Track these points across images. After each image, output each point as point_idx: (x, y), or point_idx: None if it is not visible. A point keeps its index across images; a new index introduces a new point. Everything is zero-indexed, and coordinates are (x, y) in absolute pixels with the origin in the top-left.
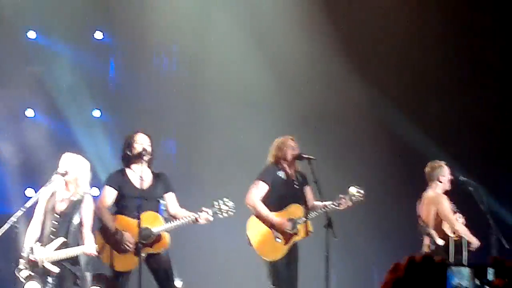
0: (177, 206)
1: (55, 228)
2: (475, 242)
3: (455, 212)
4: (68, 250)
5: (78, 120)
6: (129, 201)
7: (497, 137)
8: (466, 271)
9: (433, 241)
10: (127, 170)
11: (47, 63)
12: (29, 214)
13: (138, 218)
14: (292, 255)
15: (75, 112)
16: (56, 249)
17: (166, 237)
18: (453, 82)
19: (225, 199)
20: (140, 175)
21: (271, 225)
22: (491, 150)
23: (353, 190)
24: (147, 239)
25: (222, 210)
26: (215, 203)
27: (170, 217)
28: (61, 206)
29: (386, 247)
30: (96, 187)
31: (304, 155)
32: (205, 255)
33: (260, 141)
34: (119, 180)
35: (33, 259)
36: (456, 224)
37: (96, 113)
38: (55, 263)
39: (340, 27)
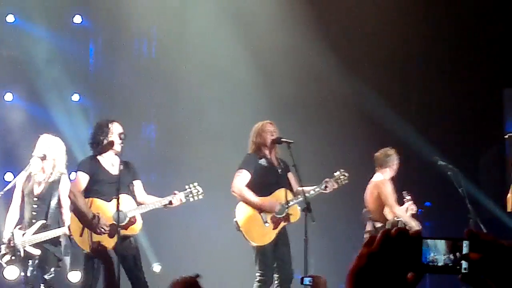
0: (144, 193)
1: (35, 212)
2: (414, 226)
3: (405, 200)
4: (48, 232)
5: (57, 104)
6: (102, 186)
7: (475, 123)
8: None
9: (373, 226)
10: (99, 157)
11: (25, 47)
12: (7, 198)
13: (117, 201)
14: (281, 240)
15: (54, 96)
16: (35, 232)
17: (139, 220)
18: (435, 72)
19: (195, 183)
20: (111, 162)
21: (260, 209)
22: (468, 135)
23: (338, 173)
24: (121, 221)
25: (193, 194)
26: (187, 186)
27: (138, 204)
28: (38, 189)
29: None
30: (75, 171)
31: (283, 139)
32: (183, 239)
33: (240, 126)
34: (91, 166)
35: (13, 244)
36: (395, 208)
37: (75, 97)
38: (36, 245)
39: (324, 17)
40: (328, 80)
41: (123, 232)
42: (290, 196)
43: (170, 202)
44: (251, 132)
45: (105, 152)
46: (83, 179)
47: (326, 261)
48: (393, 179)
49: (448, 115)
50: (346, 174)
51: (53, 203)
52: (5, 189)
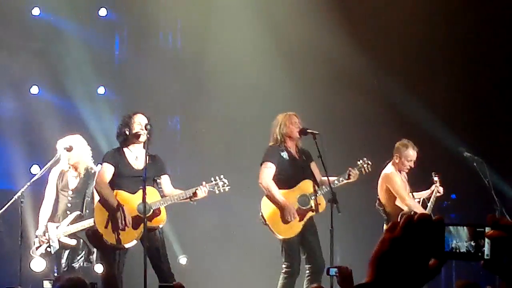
0: (171, 187)
1: (70, 204)
2: None
3: (434, 181)
4: (83, 222)
5: (83, 97)
6: (126, 179)
7: (501, 112)
8: (463, 231)
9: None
10: (124, 149)
11: (51, 40)
12: (34, 190)
13: (143, 192)
14: (309, 231)
15: (80, 89)
16: (70, 223)
17: (164, 212)
18: (459, 57)
19: (221, 176)
20: (136, 155)
21: (282, 208)
22: (493, 125)
23: (361, 162)
24: (147, 213)
25: (219, 186)
26: (213, 179)
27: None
28: (73, 183)
29: None
30: (100, 164)
31: (309, 130)
32: (209, 233)
33: (264, 117)
34: (115, 158)
35: (48, 236)
36: (407, 199)
37: (101, 90)
38: (71, 236)
39: (346, 4)
40: (352, 69)
41: (148, 224)
42: (312, 189)
43: (195, 194)
44: (275, 123)
45: (131, 144)
46: (108, 170)
47: (352, 252)
48: (413, 170)
49: (474, 105)
50: (370, 162)
51: (88, 195)
52: (32, 180)
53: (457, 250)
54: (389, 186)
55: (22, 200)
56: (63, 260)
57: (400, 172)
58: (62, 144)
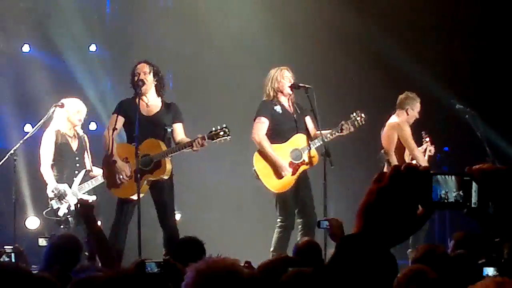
0: (183, 136)
1: (78, 164)
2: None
3: (424, 141)
4: (96, 178)
5: (75, 55)
6: (134, 128)
7: (493, 66)
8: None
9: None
10: (137, 98)
11: None
12: (27, 149)
13: (136, 145)
14: (302, 184)
15: (71, 47)
16: (82, 181)
17: (167, 164)
18: (451, 14)
19: (224, 125)
20: (146, 102)
21: (273, 164)
22: (486, 78)
23: (354, 114)
24: (147, 165)
25: (219, 135)
26: (213, 128)
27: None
28: (74, 144)
29: None
30: (94, 121)
31: (300, 84)
32: (202, 187)
33: (256, 74)
34: (126, 107)
35: (66, 197)
36: (415, 150)
37: (92, 48)
38: (90, 192)
39: None
40: (344, 24)
41: (148, 176)
42: (305, 142)
43: (192, 145)
44: (267, 77)
45: (142, 93)
46: (113, 120)
47: (345, 205)
48: (412, 124)
49: (465, 57)
50: (363, 116)
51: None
52: (25, 138)
53: (446, 200)
54: (400, 135)
55: (15, 158)
56: (71, 219)
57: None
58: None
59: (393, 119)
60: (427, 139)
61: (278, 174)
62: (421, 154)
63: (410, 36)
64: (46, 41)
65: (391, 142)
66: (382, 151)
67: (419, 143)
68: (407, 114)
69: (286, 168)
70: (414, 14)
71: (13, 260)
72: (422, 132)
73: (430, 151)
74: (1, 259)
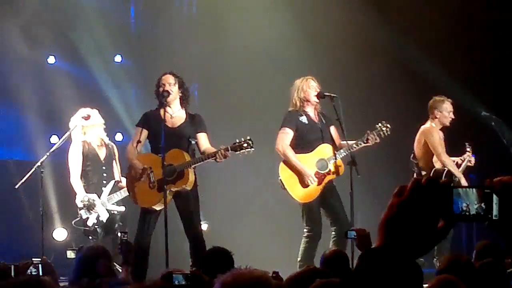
0: (208, 145)
1: (105, 173)
2: (461, 177)
3: (467, 150)
4: (122, 191)
5: (100, 66)
6: (158, 139)
7: None
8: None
9: (419, 174)
10: (162, 109)
11: (67, 10)
12: (54, 160)
13: (162, 156)
14: (329, 194)
15: (97, 58)
16: (111, 192)
17: (190, 174)
18: (478, 22)
19: (247, 137)
20: (170, 114)
21: (298, 173)
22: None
23: (380, 125)
24: (170, 175)
25: (243, 147)
26: (237, 140)
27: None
28: (102, 153)
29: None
30: (119, 132)
31: (326, 93)
32: (230, 198)
33: (281, 84)
34: (151, 119)
35: (96, 207)
36: (443, 156)
37: (118, 58)
38: (118, 203)
39: None
40: (370, 34)
41: (171, 186)
42: (330, 152)
43: (215, 156)
44: (293, 87)
45: (166, 104)
46: (138, 132)
47: (373, 215)
48: (446, 129)
49: (491, 65)
50: (389, 126)
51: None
52: (51, 150)
53: (467, 213)
54: (427, 141)
55: (42, 170)
56: (117, 226)
57: (442, 130)
58: (78, 116)
59: (426, 124)
60: (469, 148)
61: (304, 183)
62: (449, 160)
63: (435, 45)
64: (71, 53)
65: (420, 148)
66: (411, 156)
67: (459, 152)
68: (437, 118)
69: (312, 176)
70: (440, 24)
71: (40, 271)
72: (466, 143)
73: (470, 161)
74: (29, 271)
